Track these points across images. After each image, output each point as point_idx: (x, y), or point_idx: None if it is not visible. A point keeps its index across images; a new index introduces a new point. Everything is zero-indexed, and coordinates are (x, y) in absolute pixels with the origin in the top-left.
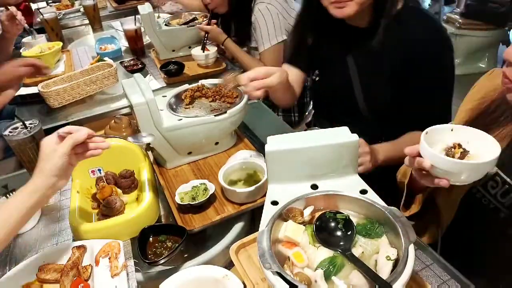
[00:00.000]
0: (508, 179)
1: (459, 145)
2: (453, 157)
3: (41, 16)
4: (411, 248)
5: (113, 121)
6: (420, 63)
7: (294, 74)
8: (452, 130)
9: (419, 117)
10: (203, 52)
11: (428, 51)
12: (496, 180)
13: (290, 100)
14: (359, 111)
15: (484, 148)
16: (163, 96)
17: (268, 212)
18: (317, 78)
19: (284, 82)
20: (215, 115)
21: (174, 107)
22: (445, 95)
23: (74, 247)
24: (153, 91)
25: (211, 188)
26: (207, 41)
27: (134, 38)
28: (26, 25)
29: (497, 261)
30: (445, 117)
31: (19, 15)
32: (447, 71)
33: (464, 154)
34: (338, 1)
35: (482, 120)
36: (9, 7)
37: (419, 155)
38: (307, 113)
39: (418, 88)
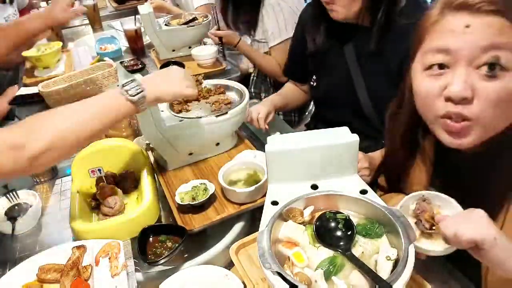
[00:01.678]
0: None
1: (429, 217)
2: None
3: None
4: (411, 248)
5: None
6: None
7: (293, 90)
8: (423, 196)
9: None
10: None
11: None
12: None
13: (298, 106)
14: (361, 110)
15: (445, 211)
16: None
17: (268, 212)
18: (314, 84)
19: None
20: (216, 116)
21: (175, 108)
22: None
23: (74, 247)
24: None
25: (211, 188)
26: (222, 46)
27: (134, 38)
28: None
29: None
30: None
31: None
32: None
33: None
34: (327, 3)
35: None
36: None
37: None
38: (307, 113)
39: None
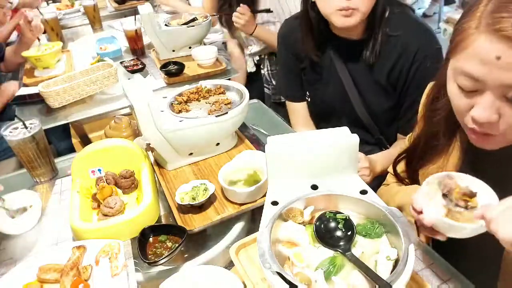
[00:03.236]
0: None
1: (465, 195)
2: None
3: (41, 16)
4: (411, 248)
5: (113, 121)
6: (411, 70)
7: (300, 107)
8: (448, 176)
9: (411, 122)
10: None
11: (419, 60)
12: None
13: None
14: (359, 121)
15: (481, 197)
16: (164, 97)
17: (268, 212)
18: (309, 99)
19: None
20: (216, 116)
21: (175, 108)
22: None
23: (74, 247)
24: (153, 91)
25: (211, 188)
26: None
27: (134, 38)
28: (41, 33)
29: (477, 259)
30: None
31: (35, 21)
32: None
33: (466, 204)
34: (346, 9)
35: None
36: (26, 11)
37: (421, 211)
38: None
39: (410, 94)
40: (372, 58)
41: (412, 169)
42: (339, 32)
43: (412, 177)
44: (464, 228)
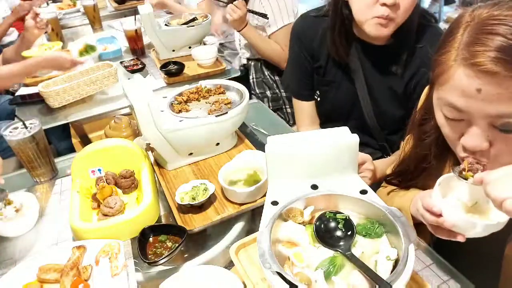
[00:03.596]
0: None
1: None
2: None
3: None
4: (411, 248)
5: (113, 121)
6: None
7: (308, 106)
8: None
9: None
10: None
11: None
12: None
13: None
14: (366, 125)
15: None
16: (164, 97)
17: (268, 212)
18: (319, 99)
19: None
20: (216, 116)
21: (175, 108)
22: None
23: (74, 247)
24: (153, 91)
25: (211, 188)
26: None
27: (134, 38)
28: (48, 28)
29: (476, 259)
30: None
31: (42, 15)
32: None
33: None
34: (384, 18)
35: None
36: (33, 7)
37: (440, 214)
38: None
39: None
40: (399, 69)
41: (406, 185)
42: (363, 35)
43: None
44: (486, 225)
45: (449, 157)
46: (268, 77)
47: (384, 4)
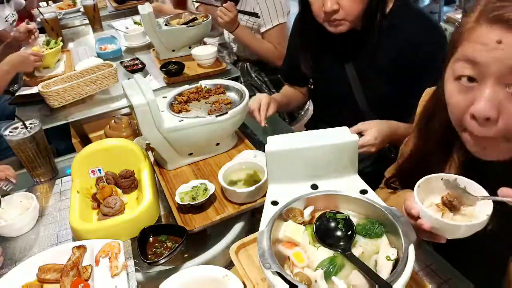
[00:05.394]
0: None
1: (450, 202)
2: (450, 208)
3: (41, 16)
4: (411, 248)
5: (113, 121)
6: (414, 61)
7: (293, 91)
8: (442, 179)
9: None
10: None
11: (422, 51)
12: None
13: (299, 106)
14: (360, 110)
15: (476, 201)
16: (164, 97)
17: (268, 212)
18: (312, 86)
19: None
20: (216, 116)
21: (175, 108)
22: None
23: (74, 247)
24: (153, 91)
25: (211, 188)
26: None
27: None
28: (39, 40)
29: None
30: None
31: (37, 34)
32: (439, 69)
33: (457, 208)
34: (332, 21)
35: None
36: (29, 23)
37: (419, 216)
38: (302, 113)
39: (412, 84)
40: (372, 48)
41: (408, 186)
42: None
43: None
44: (460, 227)
45: (453, 154)
46: (255, 78)
47: (326, 11)
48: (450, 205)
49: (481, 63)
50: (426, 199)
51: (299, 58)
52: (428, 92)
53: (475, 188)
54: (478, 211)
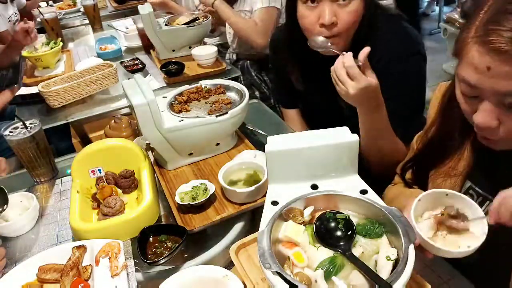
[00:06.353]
0: (481, 191)
1: (444, 220)
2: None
3: (41, 16)
4: (411, 248)
5: (113, 121)
6: (386, 76)
7: (293, 114)
8: (447, 195)
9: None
10: None
11: (392, 65)
12: (471, 193)
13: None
14: (345, 118)
15: (472, 222)
16: (164, 97)
17: (268, 212)
18: (301, 106)
19: None
20: (216, 116)
21: (175, 108)
22: (412, 106)
23: (74, 247)
24: (153, 91)
25: (211, 188)
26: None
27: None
28: (39, 40)
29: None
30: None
31: (34, 33)
32: (414, 87)
33: (451, 227)
34: (328, 37)
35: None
36: (27, 22)
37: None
38: None
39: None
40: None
41: (423, 171)
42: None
43: (420, 180)
44: (447, 252)
45: (471, 136)
46: (255, 77)
47: (322, 25)
48: (443, 223)
49: (476, 86)
50: (427, 212)
51: (286, 72)
52: (445, 86)
53: (472, 208)
54: (473, 231)
